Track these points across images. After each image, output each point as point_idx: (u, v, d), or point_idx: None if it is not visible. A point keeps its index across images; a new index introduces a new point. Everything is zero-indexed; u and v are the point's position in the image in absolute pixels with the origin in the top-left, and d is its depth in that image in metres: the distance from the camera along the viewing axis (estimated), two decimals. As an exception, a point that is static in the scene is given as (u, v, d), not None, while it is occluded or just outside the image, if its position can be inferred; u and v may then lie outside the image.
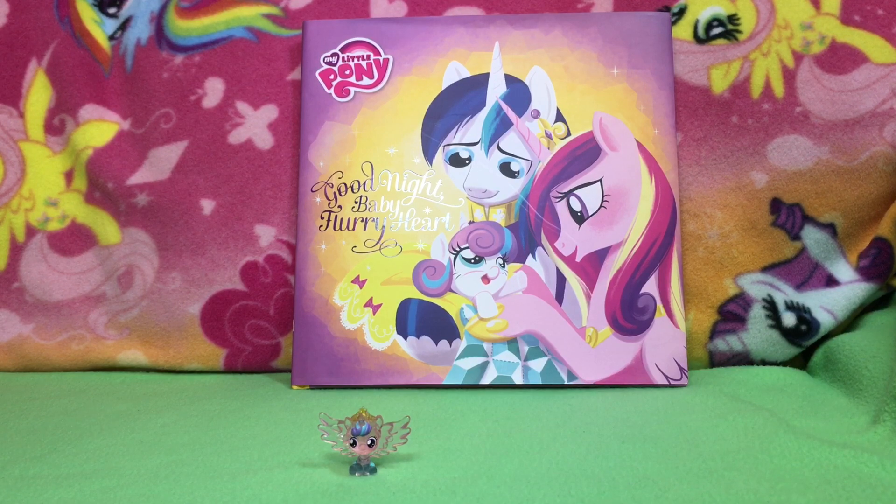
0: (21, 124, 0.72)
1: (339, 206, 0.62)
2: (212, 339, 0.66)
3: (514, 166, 0.61)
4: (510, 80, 0.62)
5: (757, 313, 0.61)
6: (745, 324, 0.61)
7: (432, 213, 0.61)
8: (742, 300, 0.61)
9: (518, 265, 0.60)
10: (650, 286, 0.59)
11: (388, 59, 0.63)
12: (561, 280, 0.59)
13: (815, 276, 0.61)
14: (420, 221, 0.61)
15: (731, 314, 0.62)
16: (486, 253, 0.60)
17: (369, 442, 0.39)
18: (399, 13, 0.68)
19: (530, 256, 0.60)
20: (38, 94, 0.72)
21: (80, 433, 0.48)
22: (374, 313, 0.60)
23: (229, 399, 0.57)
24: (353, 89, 0.63)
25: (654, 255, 0.59)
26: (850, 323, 0.62)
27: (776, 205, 0.61)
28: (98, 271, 0.69)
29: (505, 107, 0.62)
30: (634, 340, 0.58)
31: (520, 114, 0.61)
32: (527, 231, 0.60)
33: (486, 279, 0.60)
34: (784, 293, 0.61)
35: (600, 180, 0.60)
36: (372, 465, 0.39)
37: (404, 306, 0.60)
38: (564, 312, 0.59)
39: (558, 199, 0.60)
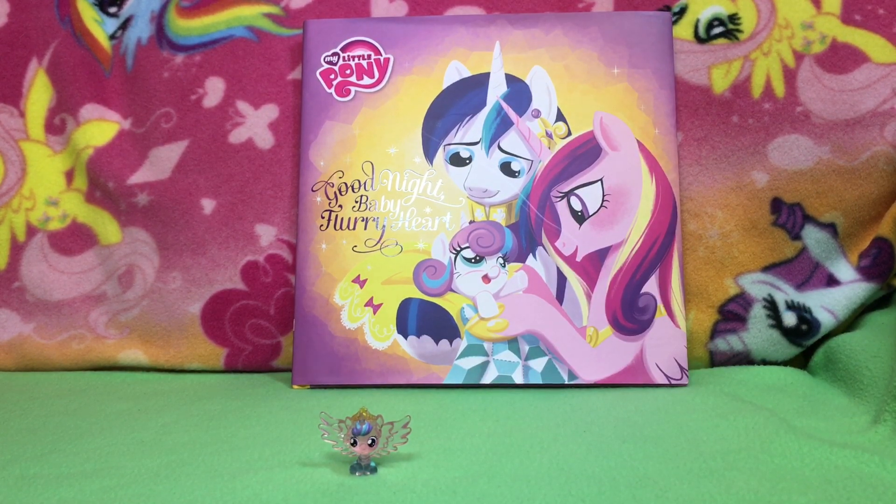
0: (22, 124, 0.72)
1: (340, 206, 0.62)
2: (212, 339, 0.66)
3: (515, 166, 0.61)
4: (511, 79, 0.62)
5: (757, 313, 0.61)
6: (746, 323, 0.61)
7: (433, 212, 0.61)
8: (743, 300, 0.61)
9: (518, 265, 0.60)
10: (651, 286, 0.59)
11: (388, 59, 0.63)
12: (561, 280, 0.59)
13: (816, 275, 0.61)
14: (420, 221, 0.61)
15: (732, 314, 0.62)
16: (487, 252, 0.60)
17: (370, 441, 0.39)
18: (400, 13, 0.68)
19: (531, 256, 0.60)
20: (39, 93, 0.72)
21: (80, 432, 0.48)
22: (374, 313, 0.60)
23: (230, 398, 0.57)
24: (353, 89, 0.63)
25: (654, 255, 0.59)
26: (851, 323, 0.62)
27: (777, 204, 0.61)
28: (99, 271, 0.69)
29: (505, 106, 0.62)
30: (635, 340, 0.58)
31: (520, 113, 0.61)
32: (527, 231, 0.60)
33: (486, 279, 0.60)
34: (785, 293, 0.61)
35: (601, 180, 0.60)
36: (372, 464, 0.39)
37: (405, 306, 0.60)
38: (565, 312, 0.59)
39: (559, 199, 0.60)
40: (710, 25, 0.63)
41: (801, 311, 0.60)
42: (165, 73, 0.69)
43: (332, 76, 0.63)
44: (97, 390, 0.61)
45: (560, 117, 0.61)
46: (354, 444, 0.39)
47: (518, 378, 0.58)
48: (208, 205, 0.67)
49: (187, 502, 0.36)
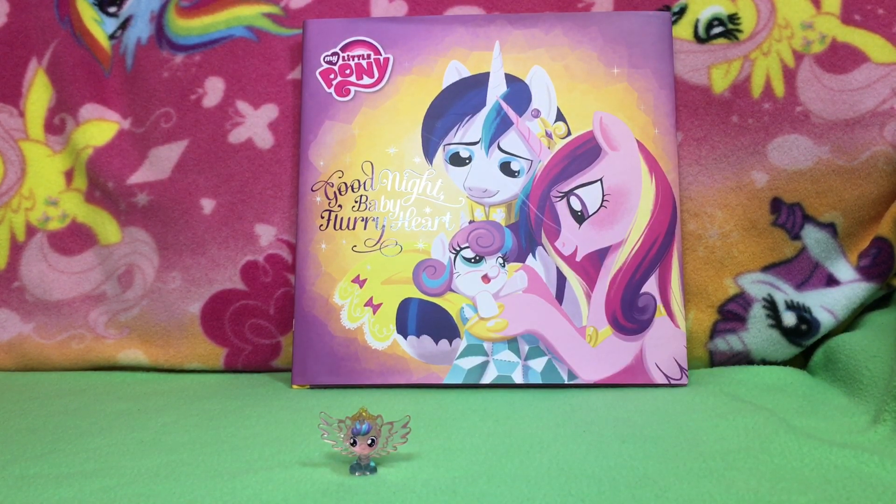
0: (21, 123, 0.72)
1: (340, 206, 0.62)
2: (212, 339, 0.66)
3: (515, 166, 0.61)
4: (510, 79, 0.62)
5: (757, 313, 0.61)
6: (746, 323, 0.61)
7: (432, 212, 0.61)
8: (742, 300, 0.61)
9: (518, 265, 0.60)
10: (650, 286, 0.59)
11: (388, 59, 0.63)
12: (561, 279, 0.59)
13: (816, 275, 0.61)
14: (420, 221, 0.61)
15: (732, 314, 0.62)
16: (487, 252, 0.60)
17: (369, 441, 0.39)
18: (399, 12, 0.68)
19: (530, 256, 0.60)
20: (39, 93, 0.72)
21: (80, 432, 0.48)
22: (374, 313, 0.60)
23: (229, 398, 0.57)
24: (353, 89, 0.63)
25: (654, 255, 0.59)
26: (851, 322, 0.62)
27: (776, 204, 0.61)
28: (98, 270, 0.69)
29: (505, 106, 0.62)
30: (635, 340, 0.58)
31: (520, 113, 0.61)
32: (527, 230, 0.60)
33: (486, 279, 0.60)
34: (784, 293, 0.61)
35: (601, 180, 0.60)
36: (372, 464, 0.39)
37: (404, 306, 0.60)
38: (565, 312, 0.59)
39: (558, 199, 0.60)
40: (709, 25, 0.63)
41: (801, 311, 0.60)
42: (165, 73, 0.69)
43: (332, 76, 0.63)
44: (97, 390, 0.61)
45: (560, 117, 0.61)
46: (354, 444, 0.39)
47: (518, 378, 0.58)
48: (208, 205, 0.67)
49: (187, 502, 0.36)
